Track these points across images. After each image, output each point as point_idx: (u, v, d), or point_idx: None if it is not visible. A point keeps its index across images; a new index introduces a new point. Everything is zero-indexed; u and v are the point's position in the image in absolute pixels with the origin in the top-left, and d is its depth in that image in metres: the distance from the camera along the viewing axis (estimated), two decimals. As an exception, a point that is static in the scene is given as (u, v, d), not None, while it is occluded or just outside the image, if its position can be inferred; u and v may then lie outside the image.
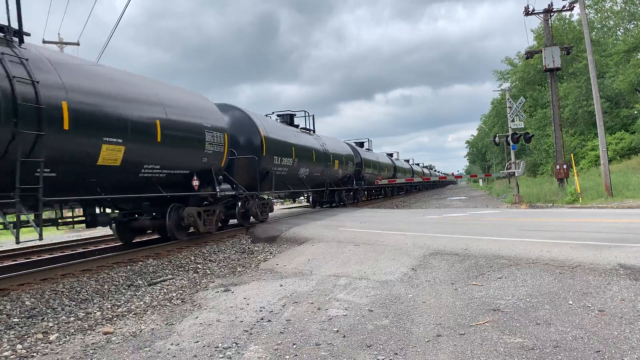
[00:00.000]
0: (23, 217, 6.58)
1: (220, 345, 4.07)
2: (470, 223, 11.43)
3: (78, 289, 6.62)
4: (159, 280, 7.31)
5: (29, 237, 7.44)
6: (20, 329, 4.91)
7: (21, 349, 4.26)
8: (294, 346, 3.94)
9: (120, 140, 8.00)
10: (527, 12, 22.04)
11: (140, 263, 8.49)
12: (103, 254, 9.18)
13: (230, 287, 6.44)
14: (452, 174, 48.70)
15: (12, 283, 6.76)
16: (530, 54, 24.96)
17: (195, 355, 3.86)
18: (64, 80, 7.18)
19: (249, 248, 10.40)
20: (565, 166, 21.12)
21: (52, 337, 4.60)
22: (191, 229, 10.94)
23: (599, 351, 3.43)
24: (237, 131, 13.37)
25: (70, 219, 9.25)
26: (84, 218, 8.97)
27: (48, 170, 6.81)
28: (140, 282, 7.24)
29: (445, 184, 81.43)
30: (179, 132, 9.59)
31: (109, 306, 5.82)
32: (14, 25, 6.95)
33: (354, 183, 23.80)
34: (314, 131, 19.91)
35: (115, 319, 5.25)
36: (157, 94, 9.41)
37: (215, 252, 9.90)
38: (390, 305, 4.97)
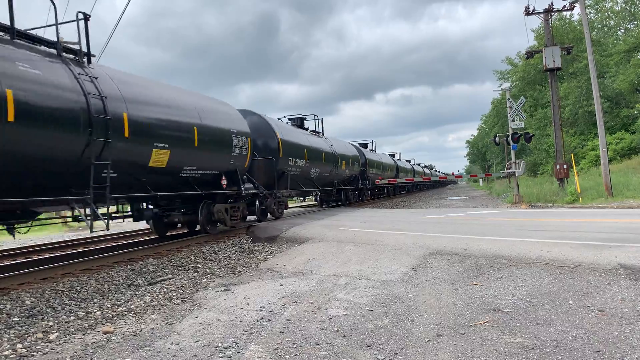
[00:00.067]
0: (76, 213, 8.14)
1: (220, 344, 4.07)
2: (471, 223, 11.43)
3: (78, 288, 6.63)
4: (159, 279, 7.32)
5: (76, 232, 7.52)
6: (20, 328, 4.91)
7: (21, 348, 4.26)
8: (294, 346, 3.94)
9: (166, 146, 9.26)
10: (528, 12, 22.03)
11: (140, 262, 8.50)
12: (103, 254, 9.19)
13: (231, 287, 6.44)
14: (453, 174, 48.68)
15: (13, 282, 6.76)
16: (530, 54, 24.95)
17: (195, 355, 3.86)
18: (123, 94, 8.42)
19: (249, 248, 10.40)
20: (565, 166, 21.12)
21: (52, 337, 4.60)
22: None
23: (599, 351, 3.43)
24: (256, 135, 14.28)
25: (120, 214, 10.66)
26: (130, 213, 10.67)
27: (112, 171, 7.92)
28: (140, 281, 7.24)
29: (446, 183, 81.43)
30: (211, 137, 10.83)
31: (109, 305, 5.82)
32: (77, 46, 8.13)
33: (359, 182, 24.96)
34: (322, 133, 21.10)
35: (115, 318, 5.25)
36: (193, 103, 10.72)
37: (215, 251, 9.90)
38: (391, 305, 4.97)
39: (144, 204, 10.98)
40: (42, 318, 5.30)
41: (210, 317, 4.95)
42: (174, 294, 6.35)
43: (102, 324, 5.03)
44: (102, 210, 8.72)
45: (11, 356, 4.09)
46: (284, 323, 4.58)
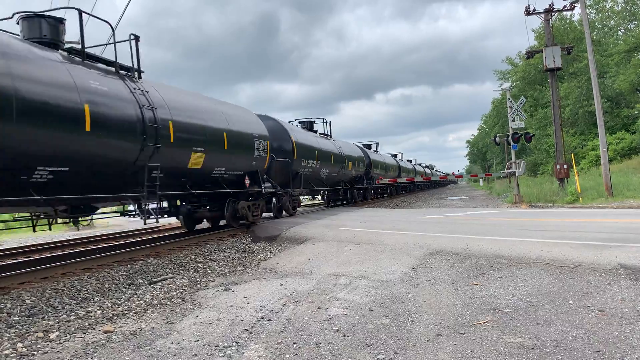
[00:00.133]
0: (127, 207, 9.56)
1: (220, 344, 4.07)
2: (471, 223, 11.43)
3: (78, 287, 6.63)
4: (159, 279, 7.32)
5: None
6: (20, 327, 4.91)
7: (22, 348, 4.27)
8: (294, 345, 3.94)
9: (202, 149, 10.38)
10: (528, 12, 22.01)
11: (141, 262, 8.50)
12: (103, 253, 9.19)
13: (231, 286, 6.45)
14: (453, 174, 48.66)
15: (13, 281, 6.76)
16: (531, 54, 24.93)
17: (196, 354, 3.86)
18: (168, 104, 9.60)
19: (249, 247, 10.41)
20: (565, 166, 21.11)
21: (52, 336, 4.60)
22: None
23: (599, 351, 3.43)
24: (272, 138, 15.06)
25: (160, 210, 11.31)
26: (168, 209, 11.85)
27: (160, 173, 9.04)
28: (140, 280, 7.24)
29: (446, 183, 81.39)
30: (237, 141, 12.00)
31: (110, 305, 5.82)
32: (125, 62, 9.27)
33: (364, 182, 26.07)
34: (330, 136, 22.28)
35: (115, 317, 5.26)
36: (221, 110, 11.96)
37: (215, 251, 9.90)
38: (391, 305, 4.97)
39: (179, 202, 12.13)
40: (43, 317, 5.31)
41: (211, 317, 4.96)
42: (175, 293, 6.36)
43: (103, 323, 5.03)
44: (143, 207, 9.94)
45: (11, 355, 4.10)
46: (284, 322, 4.59)
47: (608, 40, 42.78)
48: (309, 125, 20.59)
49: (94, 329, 4.84)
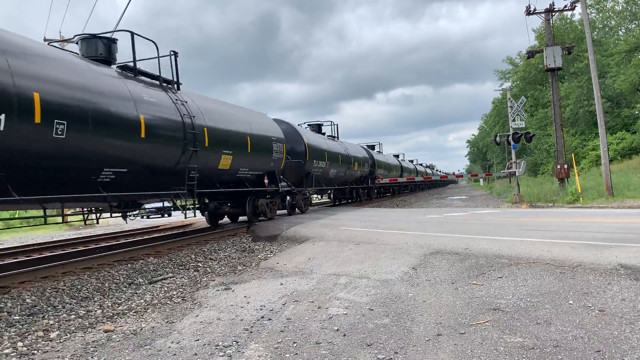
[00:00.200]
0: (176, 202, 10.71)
1: (220, 343, 4.07)
2: (471, 222, 11.43)
3: (79, 286, 6.64)
4: (159, 278, 7.32)
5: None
6: (21, 326, 4.92)
7: (22, 347, 4.27)
8: (295, 345, 3.94)
9: (230, 152, 11.65)
10: (529, 12, 21.99)
11: (141, 261, 8.51)
12: (104, 252, 9.19)
13: (231, 286, 6.45)
14: (453, 174, 48.69)
15: (13, 281, 6.77)
16: (531, 54, 24.91)
17: (196, 354, 3.86)
18: (203, 113, 10.78)
19: (249, 247, 10.41)
20: (566, 166, 21.10)
21: (52, 335, 4.60)
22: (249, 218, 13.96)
23: (599, 351, 3.43)
24: (286, 140, 16.09)
25: (191, 207, 12.41)
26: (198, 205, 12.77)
27: (196, 173, 10.14)
28: (140, 280, 7.25)
29: (446, 183, 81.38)
30: (258, 144, 13.30)
31: (110, 304, 5.82)
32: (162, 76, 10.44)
33: (369, 182, 27.17)
34: (337, 137, 23.52)
35: (115, 317, 5.26)
36: (244, 116, 13.33)
37: (215, 250, 9.91)
38: (391, 304, 4.97)
39: (206, 199, 13.22)
40: (43, 316, 5.31)
41: (211, 316, 4.96)
42: (175, 292, 6.36)
43: (103, 322, 5.03)
44: (173, 204, 11.23)
45: (12, 354, 4.10)
46: (284, 322, 4.59)
47: (609, 40, 42.76)
48: (317, 128, 21.74)
49: (94, 328, 4.84)
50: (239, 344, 4.05)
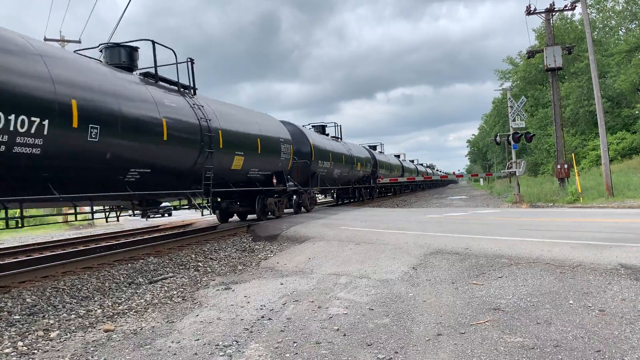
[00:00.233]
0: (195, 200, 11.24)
1: (220, 343, 4.07)
2: (471, 222, 11.43)
3: (79, 286, 6.63)
4: (159, 278, 7.32)
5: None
6: (21, 326, 4.92)
7: (22, 346, 4.27)
8: (295, 344, 3.94)
9: (242, 153, 12.30)
10: (529, 12, 21.98)
11: (141, 261, 8.50)
12: (104, 252, 9.19)
13: (231, 285, 6.45)
14: (453, 173, 48.70)
15: (14, 280, 6.77)
16: (531, 54, 24.90)
17: (196, 353, 3.86)
18: (217, 116, 11.38)
19: (249, 246, 10.41)
20: (566, 166, 21.10)
21: (53, 335, 4.61)
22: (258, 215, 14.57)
23: (600, 351, 3.43)
24: (293, 141, 16.60)
25: (202, 205, 12.65)
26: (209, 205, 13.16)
27: (211, 173, 10.74)
28: (141, 279, 7.25)
29: (447, 183, 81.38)
30: (268, 145, 13.91)
31: (110, 304, 5.82)
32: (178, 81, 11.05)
33: (371, 182, 27.80)
34: (341, 138, 24.16)
35: (116, 316, 5.26)
36: (254, 119, 13.95)
37: (216, 250, 9.90)
38: (391, 304, 4.97)
39: (219, 198, 13.71)
40: (43, 316, 5.31)
41: (211, 316, 4.96)
42: (175, 292, 6.36)
43: (103, 322, 5.03)
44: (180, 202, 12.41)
45: (12, 354, 4.10)
46: (284, 322, 4.59)
47: (609, 40, 42.74)
48: (321, 129, 22.37)
49: (94, 327, 4.84)
50: (239, 343, 4.05)
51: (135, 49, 9.95)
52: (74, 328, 4.84)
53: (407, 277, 6.16)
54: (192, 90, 11.25)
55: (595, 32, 41.28)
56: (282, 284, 6.34)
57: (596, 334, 3.76)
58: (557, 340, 3.67)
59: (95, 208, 9.86)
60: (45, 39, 23.30)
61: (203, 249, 9.85)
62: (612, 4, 42.64)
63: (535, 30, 43.94)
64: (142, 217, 10.93)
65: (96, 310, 5.52)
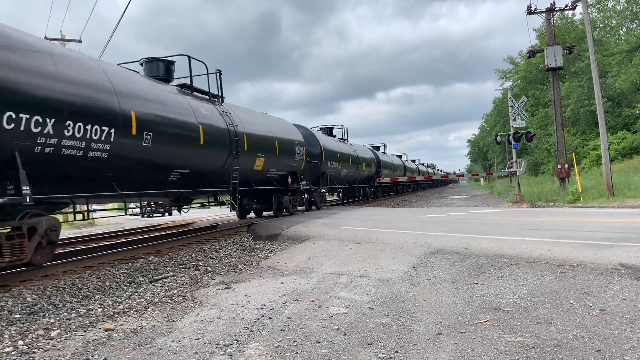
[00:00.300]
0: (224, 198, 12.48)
1: (221, 342, 4.08)
2: (472, 222, 11.43)
3: (79, 285, 6.64)
4: (160, 277, 7.32)
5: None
6: (21, 325, 4.92)
7: (22, 345, 4.27)
8: (295, 344, 3.94)
9: (263, 155, 13.51)
10: (530, 11, 21.96)
11: (142, 260, 8.50)
12: (104, 251, 9.20)
13: (231, 285, 6.45)
14: (454, 173, 48.64)
15: (14, 279, 6.77)
16: (532, 53, 24.88)
17: (196, 352, 3.86)
18: (242, 122, 12.53)
19: (249, 246, 10.41)
20: (566, 165, 21.08)
21: (53, 334, 4.61)
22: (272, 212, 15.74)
23: (600, 350, 3.43)
24: (305, 143, 17.41)
25: (217, 203, 13.66)
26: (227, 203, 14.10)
27: (237, 174, 11.86)
28: (141, 279, 7.25)
29: (447, 182, 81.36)
30: (284, 147, 15.05)
31: (110, 303, 5.83)
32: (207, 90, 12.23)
33: (374, 181, 28.81)
34: (347, 140, 25.32)
35: (116, 315, 5.26)
36: (272, 123, 15.14)
37: (216, 249, 9.91)
38: (391, 304, 4.97)
39: (238, 196, 14.31)
40: (44, 315, 5.31)
41: (211, 315, 4.96)
42: (175, 291, 6.36)
43: (103, 321, 5.03)
44: (199, 199, 13.30)
45: (12, 353, 4.10)
46: (284, 321, 4.59)
47: (610, 40, 42.71)
48: (329, 131, 23.59)
49: (94, 327, 4.85)
50: (239, 342, 4.05)
51: (172, 62, 11.01)
52: (74, 327, 4.84)
53: (408, 276, 6.16)
54: (220, 99, 12.37)
55: (596, 32, 41.26)
56: (282, 283, 6.34)
57: (596, 334, 3.75)
58: (557, 340, 3.67)
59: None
60: (46, 38, 23.30)
61: (203, 248, 9.85)
62: (613, 4, 42.65)
63: (536, 29, 43.94)
64: (178, 212, 11.76)
65: (97, 309, 5.52)
